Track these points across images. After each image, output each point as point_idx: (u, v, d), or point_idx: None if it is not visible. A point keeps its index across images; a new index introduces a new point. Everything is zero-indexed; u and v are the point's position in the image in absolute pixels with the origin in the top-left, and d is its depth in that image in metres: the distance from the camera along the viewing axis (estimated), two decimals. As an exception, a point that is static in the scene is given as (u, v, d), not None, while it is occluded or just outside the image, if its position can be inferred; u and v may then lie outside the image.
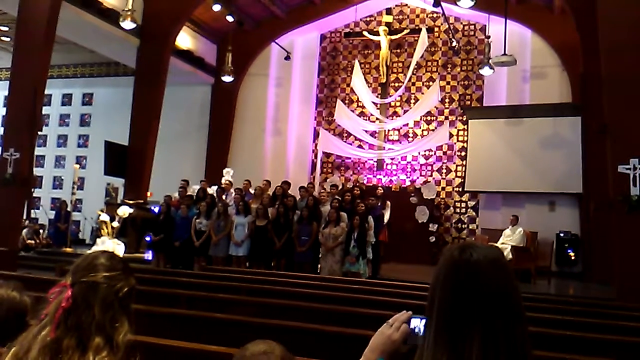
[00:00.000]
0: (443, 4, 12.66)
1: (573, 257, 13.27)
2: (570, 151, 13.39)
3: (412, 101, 15.86)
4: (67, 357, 1.54)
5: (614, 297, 8.64)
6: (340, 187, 13.90)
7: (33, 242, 14.27)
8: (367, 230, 10.13)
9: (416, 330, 1.43)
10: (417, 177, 15.55)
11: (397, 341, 1.43)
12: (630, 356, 4.43)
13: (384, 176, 15.87)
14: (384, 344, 1.44)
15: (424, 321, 1.40)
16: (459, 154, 15.30)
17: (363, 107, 16.05)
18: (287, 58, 16.19)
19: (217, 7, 13.40)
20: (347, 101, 16.38)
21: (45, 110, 15.54)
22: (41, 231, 15.47)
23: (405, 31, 15.83)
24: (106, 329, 1.58)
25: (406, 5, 16.18)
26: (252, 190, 11.93)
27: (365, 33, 16.21)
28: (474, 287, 1.29)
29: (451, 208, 15.32)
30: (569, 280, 12.77)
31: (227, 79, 15.11)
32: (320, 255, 10.37)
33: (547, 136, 13.80)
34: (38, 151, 14.84)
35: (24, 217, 12.22)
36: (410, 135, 15.83)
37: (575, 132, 13.41)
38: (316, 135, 16.64)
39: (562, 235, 13.41)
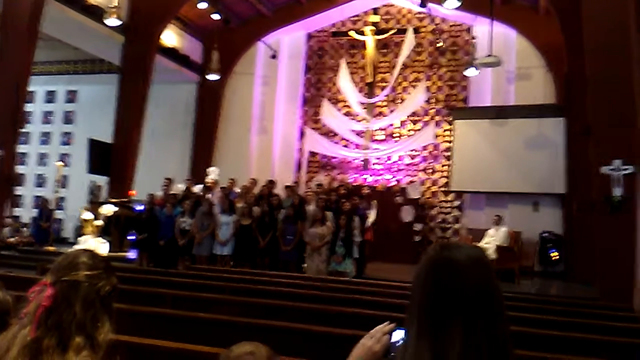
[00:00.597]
0: (429, 4, 12.71)
1: (556, 257, 13.38)
2: (553, 152, 13.51)
3: (398, 101, 15.89)
4: (48, 356, 1.52)
5: (596, 297, 8.73)
6: (326, 186, 13.91)
7: (15, 240, 14.12)
8: (353, 230, 10.15)
9: (398, 342, 1.42)
10: (403, 177, 15.59)
11: (378, 353, 1.43)
12: (612, 355, 4.47)
13: (370, 176, 15.88)
14: (365, 355, 1.44)
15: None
16: (444, 154, 15.37)
17: (349, 106, 16.06)
18: (274, 57, 16.16)
19: (203, 5, 13.33)
20: (333, 100, 16.37)
21: (28, 107, 15.40)
22: (23, 229, 15.33)
23: (392, 31, 15.87)
24: (87, 329, 1.56)
25: (393, 5, 16.21)
26: (237, 189, 11.90)
27: (351, 33, 16.21)
28: (455, 285, 1.29)
29: (436, 208, 15.37)
30: (552, 280, 12.87)
31: (213, 77, 15.04)
32: (305, 255, 10.37)
33: (531, 137, 13.90)
34: (21, 148, 14.69)
35: (6, 215, 12.07)
36: (396, 135, 15.87)
37: (559, 133, 13.53)
38: (302, 134, 16.62)
39: (545, 235, 13.51)
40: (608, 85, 8.88)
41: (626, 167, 8.65)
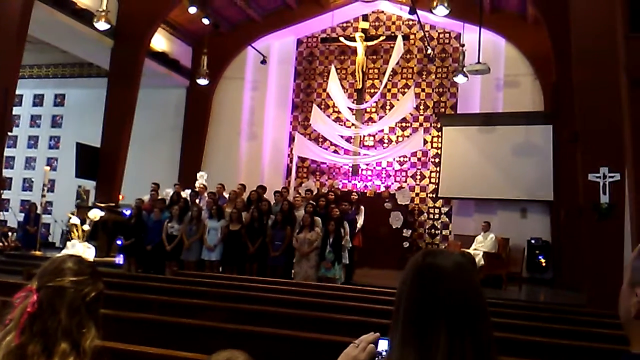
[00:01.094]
0: (419, 11, 12.77)
1: (544, 264, 13.44)
2: (541, 159, 13.60)
3: (388, 107, 15.94)
4: (32, 363, 1.50)
5: (583, 304, 8.77)
6: (315, 192, 13.90)
7: (1, 244, 13.99)
8: (342, 236, 10.14)
9: (383, 351, 1.42)
10: (392, 183, 15.63)
11: None
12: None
13: (359, 181, 15.91)
14: None
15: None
16: (433, 160, 15.42)
17: (339, 112, 16.08)
18: (263, 62, 16.15)
19: (192, 10, 13.31)
20: (322, 106, 16.39)
21: (15, 110, 15.29)
22: (10, 234, 15.18)
23: (381, 38, 15.94)
24: (73, 335, 1.55)
25: (382, 12, 16.30)
26: (225, 195, 11.87)
27: (341, 39, 16.26)
28: (439, 291, 1.30)
29: (425, 214, 15.41)
30: (539, 287, 12.93)
31: (203, 81, 14.99)
32: (294, 260, 10.34)
33: (519, 144, 13.99)
34: (8, 152, 14.58)
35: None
36: (385, 141, 15.91)
37: (547, 140, 13.62)
38: (292, 139, 16.62)
39: (533, 241, 13.58)
40: (595, 92, 8.94)
41: (613, 174, 8.71)
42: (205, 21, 14.01)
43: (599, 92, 8.87)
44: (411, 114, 15.67)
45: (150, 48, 14.74)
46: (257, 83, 16.78)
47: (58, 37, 14.02)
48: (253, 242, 10.45)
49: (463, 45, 13.75)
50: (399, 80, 16.03)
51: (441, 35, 15.90)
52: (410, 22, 15.76)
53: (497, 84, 14.72)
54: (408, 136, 15.65)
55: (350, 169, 16.02)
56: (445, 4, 10.29)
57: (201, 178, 12.88)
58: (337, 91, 15.90)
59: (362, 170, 15.99)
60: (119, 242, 11.92)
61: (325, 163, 16.28)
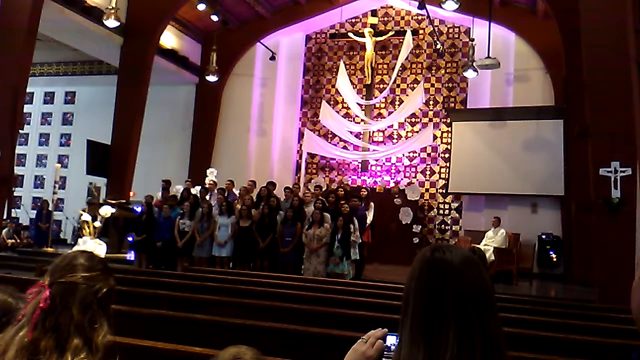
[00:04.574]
0: (428, 6, 12.70)
1: (555, 259, 13.39)
2: (552, 154, 13.51)
3: (397, 103, 15.90)
4: (45, 358, 1.52)
5: (595, 299, 8.73)
6: (324, 188, 13.91)
7: (14, 241, 14.12)
8: (351, 232, 10.13)
9: (391, 346, 1.42)
10: (401, 179, 15.60)
11: (372, 357, 1.42)
12: (610, 357, 4.47)
13: (369, 177, 15.89)
14: None
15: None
16: (442, 155, 15.37)
17: (348, 108, 16.07)
18: (272, 58, 16.15)
19: (201, 6, 13.33)
20: (332, 102, 16.38)
21: (27, 108, 15.40)
22: (22, 231, 15.31)
23: (390, 33, 15.88)
24: (85, 330, 1.56)
25: (391, 7, 16.25)
26: (235, 191, 11.90)
27: (350, 34, 16.23)
28: (448, 286, 1.30)
29: (435, 209, 15.38)
30: (550, 282, 12.87)
31: (212, 78, 15.03)
32: (304, 256, 10.36)
33: (530, 139, 13.92)
34: (19, 150, 14.70)
35: (5, 216, 12.06)
36: (395, 136, 15.88)
37: (558, 135, 13.54)
38: (301, 136, 16.62)
39: (543, 237, 13.52)
40: (606, 86, 8.87)
41: (624, 168, 8.65)
42: (214, 18, 14.03)
43: (610, 86, 8.80)
44: (420, 109, 15.62)
45: (159, 45, 14.78)
46: (266, 79, 16.79)
47: (68, 35, 14.09)
48: (263, 238, 10.48)
49: (472, 40, 13.67)
50: (408, 76, 15.98)
51: (450, 30, 15.83)
52: (420, 17, 15.69)
53: (507, 78, 14.63)
54: (417, 132, 15.61)
55: (360, 164, 16.00)
56: (455, -1, 10.24)
57: (211, 174, 12.91)
58: (346, 87, 15.88)
59: (371, 166, 15.97)
60: (130, 239, 12.00)
61: (334, 159, 16.27)
